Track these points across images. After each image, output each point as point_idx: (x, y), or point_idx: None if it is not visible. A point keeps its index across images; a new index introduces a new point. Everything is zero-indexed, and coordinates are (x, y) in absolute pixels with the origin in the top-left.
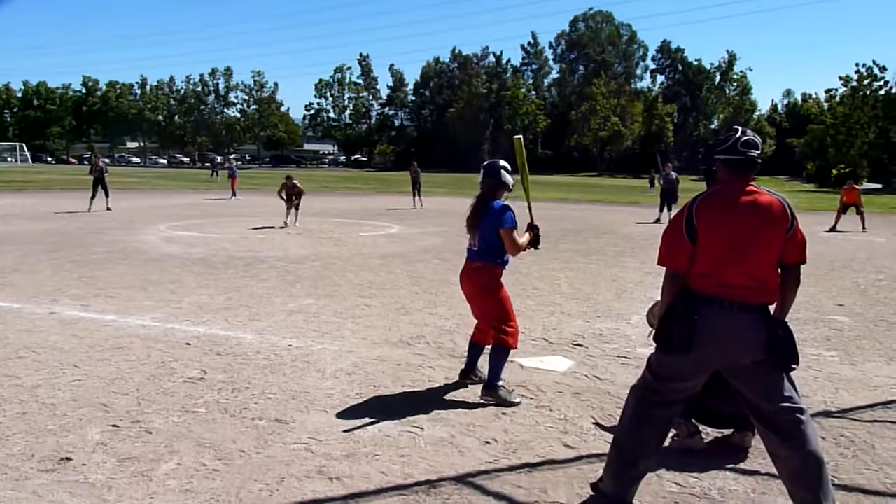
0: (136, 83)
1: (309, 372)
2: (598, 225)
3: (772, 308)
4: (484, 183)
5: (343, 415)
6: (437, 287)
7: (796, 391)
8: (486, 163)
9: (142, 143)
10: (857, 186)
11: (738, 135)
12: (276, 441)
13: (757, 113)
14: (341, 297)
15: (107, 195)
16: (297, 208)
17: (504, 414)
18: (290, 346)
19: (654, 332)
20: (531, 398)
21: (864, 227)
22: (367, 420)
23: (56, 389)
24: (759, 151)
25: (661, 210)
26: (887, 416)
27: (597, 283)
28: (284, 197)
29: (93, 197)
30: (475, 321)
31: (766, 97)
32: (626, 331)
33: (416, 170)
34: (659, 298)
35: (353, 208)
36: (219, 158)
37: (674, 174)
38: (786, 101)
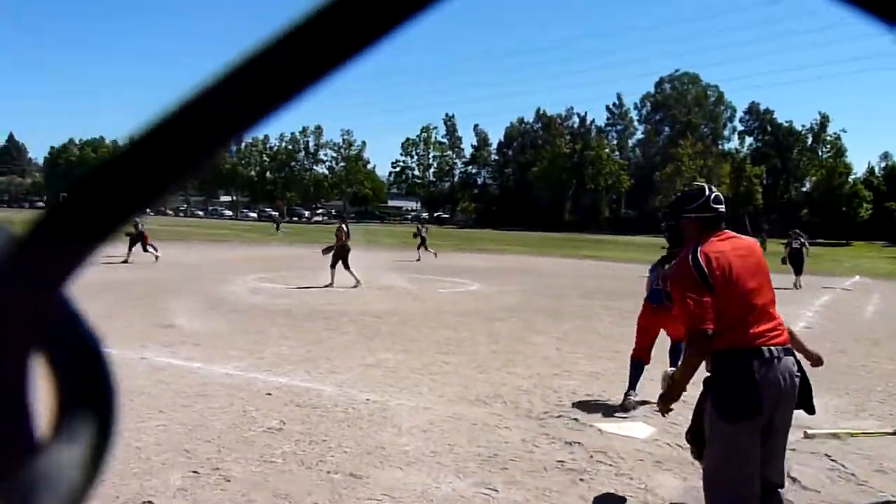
0: None
1: (385, 427)
2: None
3: None
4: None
5: (417, 472)
6: (514, 346)
7: None
8: None
9: (234, 197)
10: None
11: (708, 192)
12: (350, 496)
13: (853, 176)
14: (419, 352)
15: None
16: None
17: (582, 480)
18: (367, 399)
19: (664, 406)
20: (611, 465)
21: None
22: (442, 479)
23: (142, 433)
24: (723, 207)
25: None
26: None
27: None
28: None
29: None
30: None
31: (862, 160)
32: None
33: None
34: (672, 368)
35: (433, 264)
36: (276, 213)
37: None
38: (883, 164)
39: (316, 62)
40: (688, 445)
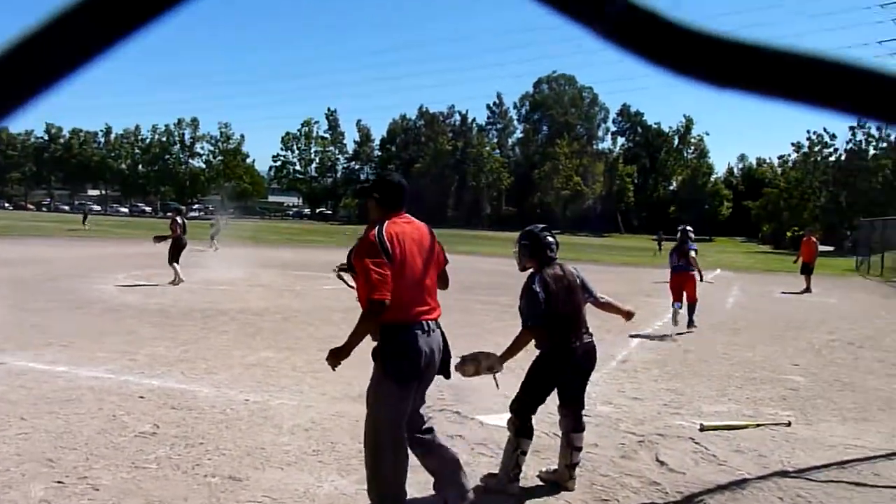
0: (101, 131)
1: (265, 427)
2: None
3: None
4: None
5: (299, 472)
6: None
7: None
8: None
9: (103, 192)
10: (815, 239)
11: (396, 180)
12: (230, 499)
13: (714, 176)
14: (301, 350)
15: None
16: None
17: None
18: (246, 400)
19: (333, 361)
20: (492, 456)
21: (808, 288)
22: (324, 478)
23: (0, 443)
24: (405, 193)
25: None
26: (842, 476)
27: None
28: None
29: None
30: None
31: (722, 161)
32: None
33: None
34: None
35: (316, 261)
36: (96, 207)
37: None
38: (741, 165)
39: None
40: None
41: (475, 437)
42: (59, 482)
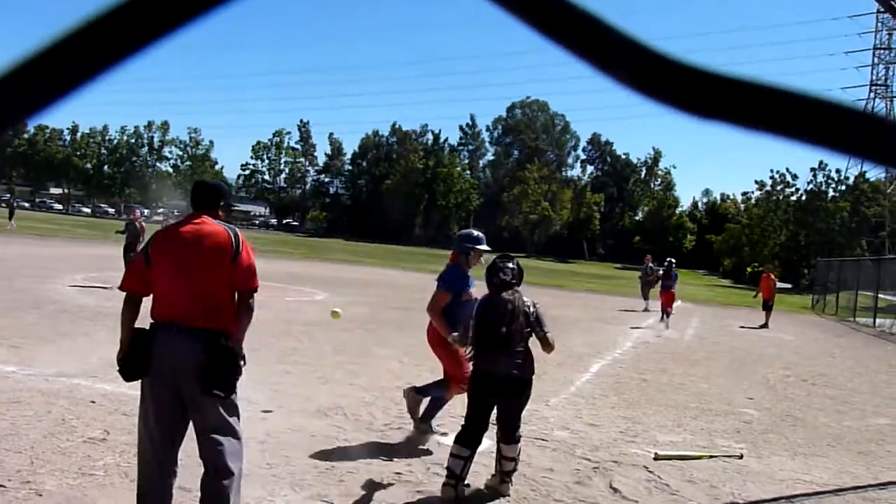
0: (67, 129)
1: None
2: None
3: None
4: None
5: (251, 486)
6: (359, 358)
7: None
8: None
9: (66, 190)
10: (774, 276)
11: (201, 179)
12: None
13: (679, 209)
14: (260, 362)
15: None
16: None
17: (419, 492)
18: None
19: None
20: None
21: (766, 323)
22: (277, 492)
23: None
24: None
25: (645, 298)
26: None
27: None
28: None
29: None
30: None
31: (687, 194)
32: (544, 413)
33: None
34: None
35: (280, 272)
36: (57, 205)
37: (652, 266)
38: (705, 200)
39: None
40: (521, 459)
41: (432, 458)
42: (0, 486)
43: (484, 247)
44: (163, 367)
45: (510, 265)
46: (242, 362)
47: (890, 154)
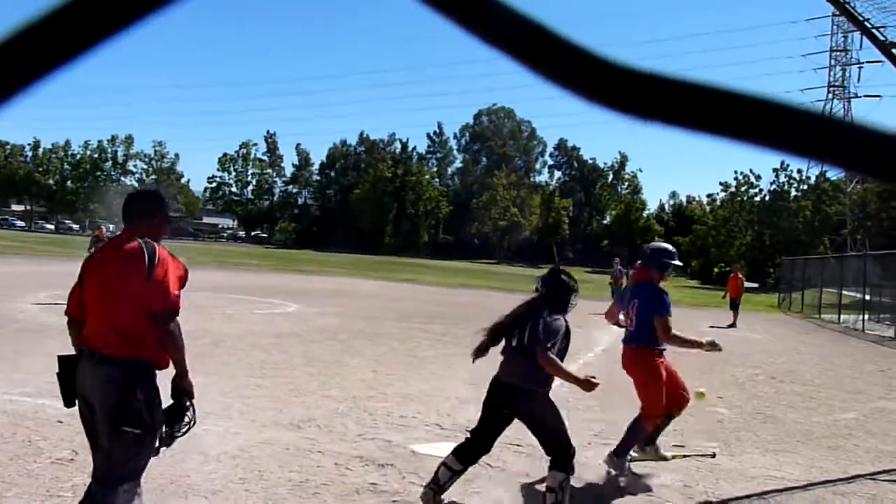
0: (29, 144)
1: (190, 455)
2: (496, 310)
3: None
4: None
5: (223, 501)
6: (331, 368)
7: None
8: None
9: (28, 207)
10: (741, 276)
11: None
12: None
13: (646, 211)
14: (230, 375)
15: None
16: None
17: (395, 502)
18: None
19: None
20: (422, 486)
21: (734, 323)
22: None
23: None
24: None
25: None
26: None
27: (493, 369)
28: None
29: None
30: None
31: (654, 197)
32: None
33: None
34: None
35: (250, 284)
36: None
37: (621, 269)
38: (672, 202)
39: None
40: (496, 465)
41: (407, 467)
42: None
43: (678, 262)
44: (84, 394)
45: (547, 278)
46: (187, 401)
47: (843, 154)
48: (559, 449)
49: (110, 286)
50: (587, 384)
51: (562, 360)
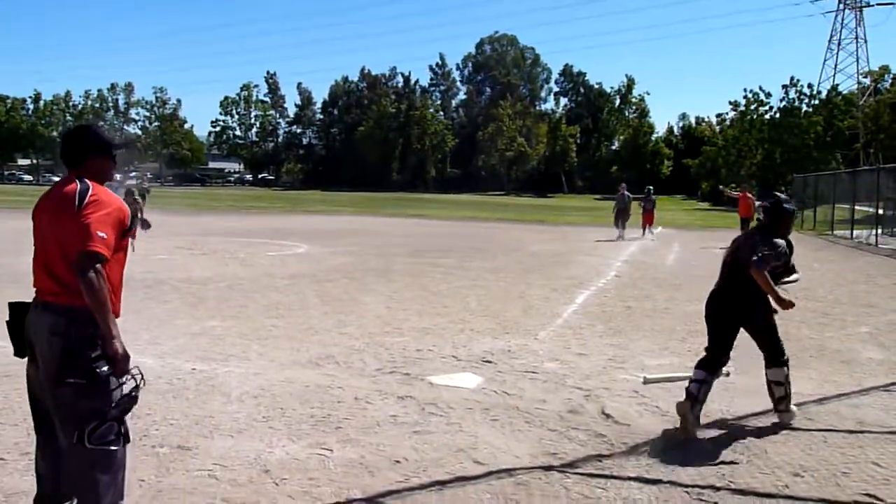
0: (30, 98)
1: (213, 396)
2: (506, 243)
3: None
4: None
5: (249, 439)
6: (346, 306)
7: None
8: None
9: (34, 161)
10: (751, 195)
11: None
12: (179, 469)
13: (655, 135)
14: (247, 318)
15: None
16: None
17: (416, 433)
18: (193, 369)
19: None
20: (441, 416)
21: None
22: (275, 443)
23: None
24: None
25: (616, 227)
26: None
27: (505, 300)
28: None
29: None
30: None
31: (663, 120)
32: (533, 346)
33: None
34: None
35: (260, 227)
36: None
37: (627, 194)
38: (681, 124)
39: None
40: (513, 392)
41: (425, 398)
42: (1, 458)
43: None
44: (32, 343)
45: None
46: (109, 369)
47: None
48: (776, 349)
49: (44, 230)
50: (787, 303)
51: (788, 275)
